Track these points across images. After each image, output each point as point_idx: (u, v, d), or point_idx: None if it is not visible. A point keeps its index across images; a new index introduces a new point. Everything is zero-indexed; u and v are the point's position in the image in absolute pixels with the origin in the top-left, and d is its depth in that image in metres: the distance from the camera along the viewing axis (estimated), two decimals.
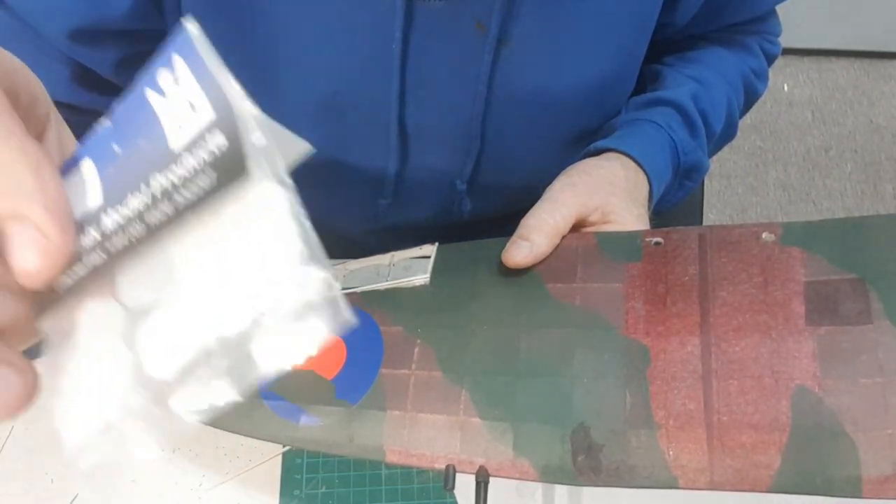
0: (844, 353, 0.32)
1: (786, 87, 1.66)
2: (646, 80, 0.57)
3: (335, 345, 0.40)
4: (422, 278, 0.41)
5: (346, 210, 0.60)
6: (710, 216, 1.48)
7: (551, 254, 0.40)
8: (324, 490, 0.45)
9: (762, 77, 0.61)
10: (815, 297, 0.33)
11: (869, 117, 1.61)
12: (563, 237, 0.41)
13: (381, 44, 0.47)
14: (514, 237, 0.40)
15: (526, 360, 0.36)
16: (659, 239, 0.38)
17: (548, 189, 0.43)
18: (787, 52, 1.68)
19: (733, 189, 1.52)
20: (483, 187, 0.58)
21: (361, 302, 0.41)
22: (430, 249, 0.43)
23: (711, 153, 0.57)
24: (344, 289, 0.42)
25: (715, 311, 0.34)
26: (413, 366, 0.38)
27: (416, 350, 0.38)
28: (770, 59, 0.61)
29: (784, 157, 1.56)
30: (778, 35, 0.62)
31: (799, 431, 0.31)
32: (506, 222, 0.62)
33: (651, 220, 0.46)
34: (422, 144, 0.54)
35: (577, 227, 0.42)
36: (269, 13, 0.46)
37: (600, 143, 0.49)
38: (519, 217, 0.62)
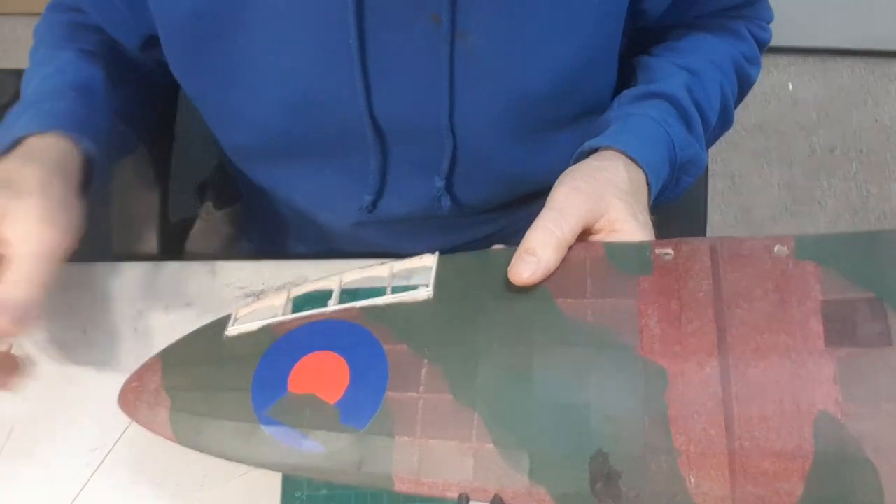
0: (865, 377, 0.31)
1: (791, 87, 1.66)
2: (635, 72, 0.56)
3: (337, 365, 0.38)
4: (424, 292, 0.39)
5: (333, 205, 0.61)
6: (715, 216, 1.47)
7: (560, 265, 0.38)
8: (325, 492, 0.45)
9: (754, 62, 0.59)
10: (833, 316, 0.33)
11: (874, 117, 1.61)
12: (570, 247, 0.40)
13: (340, 39, 0.47)
14: (519, 251, 0.38)
15: (540, 381, 0.35)
16: (669, 251, 0.37)
17: (552, 195, 0.42)
18: (792, 51, 1.67)
19: (738, 189, 1.51)
20: (462, 184, 0.58)
21: (361, 318, 0.39)
22: (430, 260, 0.42)
23: (708, 144, 0.56)
24: (341, 303, 0.41)
25: (732, 330, 0.34)
26: (421, 388, 0.36)
27: (424, 371, 0.36)
28: (761, 45, 0.60)
29: (789, 157, 1.56)
30: (768, 21, 0.60)
31: (822, 458, 0.31)
32: (487, 217, 0.63)
33: (652, 219, 0.45)
34: (397, 139, 0.54)
35: (584, 235, 0.41)
36: (242, 19, 0.47)
37: (594, 142, 0.48)
38: (499, 211, 0.62)
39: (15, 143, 0.46)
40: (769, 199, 1.50)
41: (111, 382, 0.49)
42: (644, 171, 0.46)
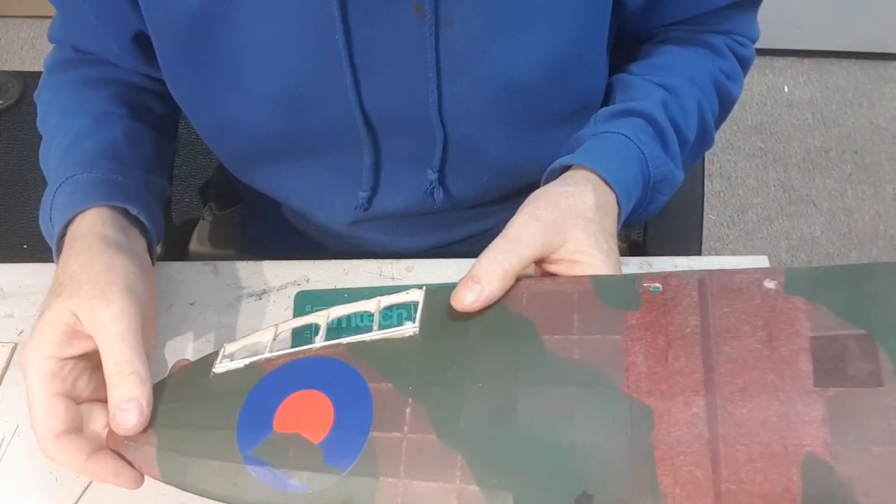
0: (855, 418, 0.30)
1: (786, 89, 1.67)
2: (613, 91, 0.56)
3: (321, 404, 0.38)
4: (410, 328, 0.39)
5: (329, 205, 0.61)
6: (711, 217, 1.48)
7: (546, 299, 0.38)
8: None
9: (735, 79, 0.58)
10: (822, 354, 0.32)
11: (869, 118, 1.62)
12: (557, 277, 0.40)
13: (327, 35, 0.48)
14: (466, 278, 0.38)
15: (525, 422, 0.34)
16: (657, 284, 0.36)
17: (511, 222, 0.41)
18: (788, 53, 1.68)
19: (734, 190, 1.52)
20: (454, 177, 0.58)
21: (347, 355, 0.39)
22: (417, 294, 0.41)
23: (687, 163, 0.55)
24: (328, 339, 0.40)
25: (719, 368, 0.33)
26: (405, 428, 0.36)
27: (408, 410, 0.36)
28: (742, 61, 0.59)
29: (784, 158, 1.57)
30: (752, 39, 0.59)
31: (810, 502, 0.30)
32: (481, 212, 0.63)
33: (620, 246, 0.44)
34: (389, 133, 0.55)
35: (541, 263, 0.41)
36: (232, 19, 0.48)
37: (565, 159, 0.47)
38: (493, 206, 0.63)
39: (68, 223, 0.47)
40: (765, 200, 1.51)
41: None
42: (615, 191, 0.45)
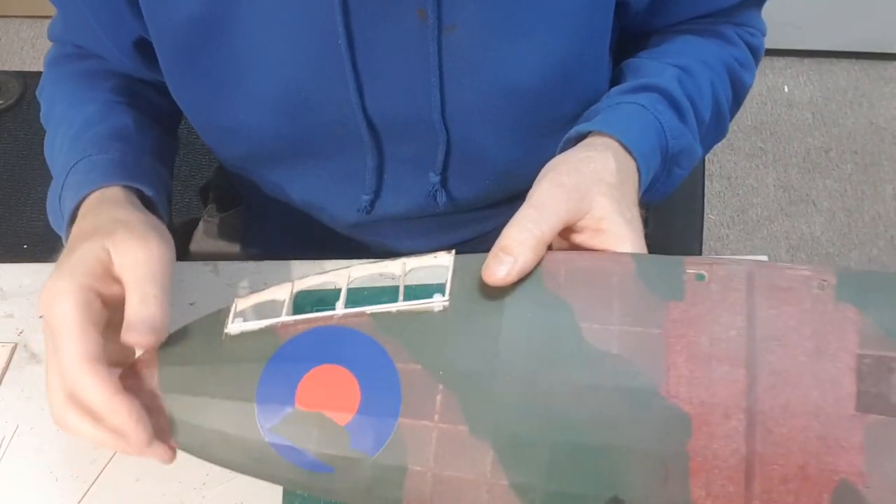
0: (892, 449, 0.30)
1: (786, 89, 1.67)
2: (624, 76, 0.55)
3: (346, 382, 0.36)
4: (440, 302, 0.37)
5: (331, 207, 0.61)
6: (711, 217, 1.48)
7: (585, 279, 0.36)
8: None
9: (748, 67, 0.58)
10: (867, 375, 0.31)
11: (869, 118, 1.62)
12: (597, 253, 0.38)
13: (329, 39, 0.48)
14: (495, 249, 0.37)
15: (558, 420, 0.33)
16: (702, 272, 0.34)
17: (533, 190, 0.40)
18: (788, 53, 1.68)
19: (734, 190, 1.52)
20: (457, 180, 0.58)
21: (371, 327, 0.37)
22: (446, 259, 0.39)
23: (704, 147, 0.55)
24: (349, 306, 0.38)
25: (762, 380, 0.32)
26: (436, 416, 0.34)
27: (439, 398, 0.35)
28: (753, 51, 0.58)
29: (784, 158, 1.57)
30: (762, 32, 0.59)
31: None
32: (484, 214, 0.63)
33: (641, 213, 0.43)
34: (392, 136, 0.54)
35: (565, 232, 0.40)
36: (234, 24, 0.48)
37: (582, 127, 0.46)
38: (496, 208, 0.62)
39: (81, 200, 0.46)
40: (765, 200, 1.51)
41: None
42: (634, 157, 0.44)
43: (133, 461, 0.46)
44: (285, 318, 0.39)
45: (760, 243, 1.46)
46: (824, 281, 0.33)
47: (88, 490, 0.45)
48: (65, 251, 0.43)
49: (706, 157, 0.71)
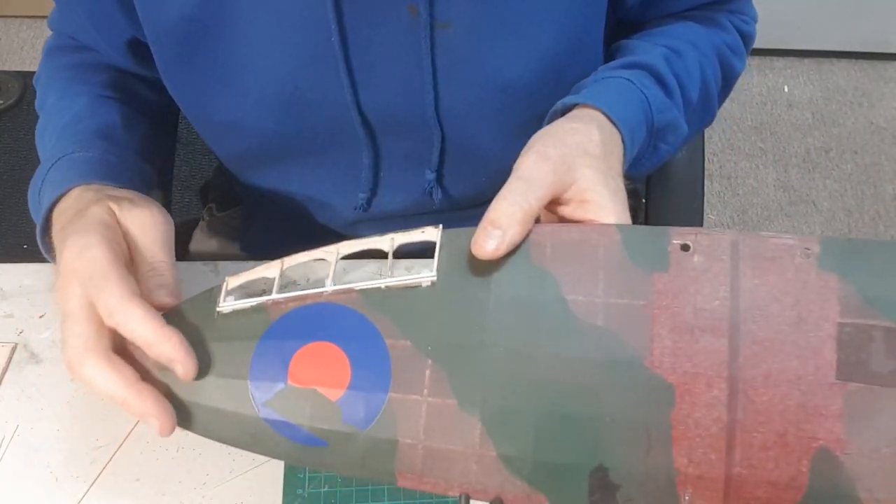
0: (871, 417, 0.31)
1: (786, 89, 1.67)
2: (614, 56, 0.55)
3: (337, 359, 0.37)
4: (428, 277, 0.37)
5: (328, 206, 0.62)
6: (711, 217, 1.48)
7: (571, 251, 0.36)
8: (327, 489, 0.45)
9: (738, 54, 0.58)
10: (847, 344, 0.32)
11: (869, 118, 1.62)
12: (583, 225, 0.38)
13: (323, 36, 0.48)
14: (483, 223, 0.37)
15: (545, 391, 0.34)
16: (687, 242, 0.35)
17: (519, 162, 0.40)
18: (788, 53, 1.68)
19: (734, 190, 1.52)
20: (452, 177, 0.58)
21: (360, 303, 0.38)
22: (434, 233, 0.39)
23: (690, 127, 0.54)
24: (338, 282, 0.39)
25: (744, 350, 0.33)
26: (425, 391, 0.35)
27: (428, 373, 0.35)
28: (745, 38, 0.59)
29: (784, 158, 1.57)
30: (753, 19, 0.59)
31: (814, 493, 0.31)
32: (480, 211, 0.63)
33: (626, 185, 0.43)
34: (387, 134, 0.55)
35: (551, 204, 0.40)
36: (229, 22, 0.48)
37: (568, 100, 0.46)
38: (488, 208, 0.62)
39: (57, 199, 0.47)
40: (765, 200, 1.51)
41: None
42: (619, 129, 0.44)
43: (133, 461, 0.46)
44: (276, 295, 0.39)
45: None
46: (808, 249, 0.34)
47: (88, 490, 0.45)
48: (67, 224, 0.43)
49: (706, 158, 0.72)
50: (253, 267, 0.42)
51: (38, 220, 0.48)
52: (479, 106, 0.52)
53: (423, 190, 0.58)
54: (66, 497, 0.45)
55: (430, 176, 0.57)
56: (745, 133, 1.59)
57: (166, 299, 0.40)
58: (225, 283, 0.41)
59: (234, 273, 0.43)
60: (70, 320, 0.39)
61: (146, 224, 0.43)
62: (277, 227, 0.68)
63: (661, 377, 0.33)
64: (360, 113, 0.52)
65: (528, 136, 0.55)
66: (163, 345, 0.38)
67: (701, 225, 0.75)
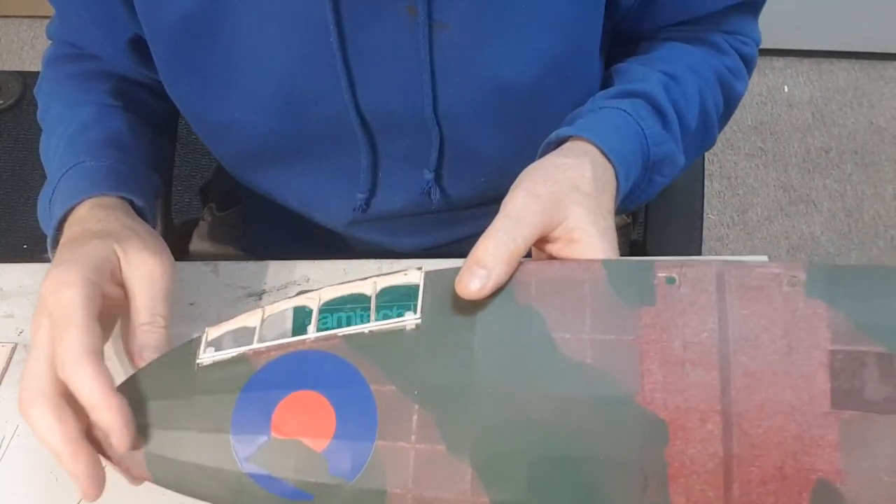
0: (869, 445, 0.30)
1: (786, 88, 1.67)
2: (612, 80, 0.55)
3: (321, 408, 0.36)
4: (412, 320, 0.37)
5: (327, 206, 0.62)
6: (711, 217, 1.48)
7: (556, 288, 0.36)
8: None
9: (739, 76, 0.57)
10: (840, 371, 0.31)
11: (869, 118, 1.62)
12: (567, 262, 0.38)
13: (321, 36, 0.48)
14: (469, 262, 0.36)
15: (537, 434, 0.33)
16: (673, 275, 0.34)
17: (508, 198, 0.39)
18: (788, 53, 1.68)
19: (734, 190, 1.52)
20: (451, 177, 0.58)
21: (344, 349, 0.37)
22: (416, 276, 0.38)
23: (688, 154, 0.54)
24: (321, 329, 0.38)
25: (736, 381, 0.32)
26: (412, 437, 0.34)
27: (415, 418, 0.34)
28: (745, 60, 0.58)
29: (784, 158, 1.57)
30: (755, 41, 0.58)
31: None
32: (479, 212, 0.63)
33: (619, 221, 0.43)
34: (385, 134, 0.55)
35: (539, 243, 0.40)
36: (228, 22, 0.48)
37: (562, 131, 0.46)
38: (491, 206, 0.62)
39: (69, 210, 0.46)
40: (765, 200, 1.51)
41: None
42: (613, 164, 0.44)
43: None
44: (257, 345, 0.38)
45: (760, 243, 1.46)
46: (794, 277, 0.33)
47: None
48: (67, 244, 0.43)
49: (706, 157, 0.71)
50: (255, 265, 0.42)
51: (49, 231, 0.48)
52: (477, 106, 0.52)
53: (421, 190, 0.58)
54: (66, 497, 0.45)
55: (429, 176, 0.57)
56: (745, 133, 1.59)
57: (152, 357, 0.40)
58: (205, 334, 0.40)
59: (232, 272, 0.42)
60: (32, 356, 0.38)
61: (154, 274, 0.41)
62: (277, 227, 0.68)
63: (653, 413, 0.32)
64: (359, 113, 0.52)
65: (527, 137, 0.55)
66: (103, 412, 0.36)
67: (701, 225, 0.75)
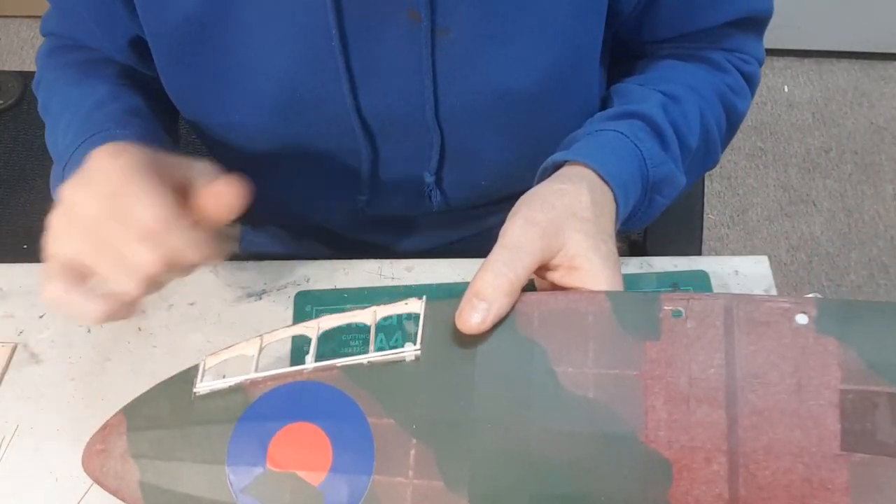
0: (879, 490, 0.30)
1: (786, 89, 1.67)
2: (611, 100, 0.55)
3: (318, 440, 0.35)
4: (412, 351, 0.36)
5: (328, 206, 0.62)
6: (711, 217, 1.48)
7: (559, 320, 0.35)
8: None
9: (740, 94, 0.56)
10: (850, 412, 0.31)
11: (869, 118, 1.62)
12: (571, 293, 0.37)
13: (323, 38, 0.48)
14: (468, 295, 0.35)
15: (536, 470, 0.33)
16: (679, 308, 0.34)
17: (505, 228, 0.39)
18: (788, 53, 1.68)
19: (734, 190, 1.52)
20: (451, 180, 0.58)
21: (343, 382, 0.36)
22: (417, 305, 0.38)
23: (690, 174, 0.53)
24: (319, 360, 0.37)
25: (743, 420, 0.31)
26: (410, 472, 0.33)
27: (413, 452, 0.34)
28: (747, 79, 0.57)
29: (784, 158, 1.57)
30: (757, 59, 0.57)
31: None
32: (479, 213, 0.63)
33: (619, 247, 0.42)
34: (386, 136, 0.55)
35: (540, 271, 0.39)
36: (230, 23, 0.48)
37: (559, 156, 0.46)
38: (491, 207, 0.62)
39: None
40: (765, 200, 1.51)
41: (115, 380, 0.50)
42: (611, 188, 0.43)
43: None
44: (254, 374, 0.38)
45: (760, 243, 1.46)
46: (804, 314, 0.32)
47: (89, 490, 0.45)
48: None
49: None
50: (255, 266, 0.42)
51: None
52: (478, 111, 0.52)
53: (421, 193, 0.58)
54: (66, 497, 0.45)
55: (429, 179, 0.57)
56: (745, 133, 1.59)
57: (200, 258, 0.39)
58: (202, 363, 0.40)
59: (232, 272, 0.42)
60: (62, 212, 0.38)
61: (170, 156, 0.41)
62: (277, 227, 0.68)
63: (657, 452, 0.32)
64: (360, 116, 0.52)
65: (528, 143, 0.55)
66: (175, 233, 0.37)
67: (701, 226, 0.75)
